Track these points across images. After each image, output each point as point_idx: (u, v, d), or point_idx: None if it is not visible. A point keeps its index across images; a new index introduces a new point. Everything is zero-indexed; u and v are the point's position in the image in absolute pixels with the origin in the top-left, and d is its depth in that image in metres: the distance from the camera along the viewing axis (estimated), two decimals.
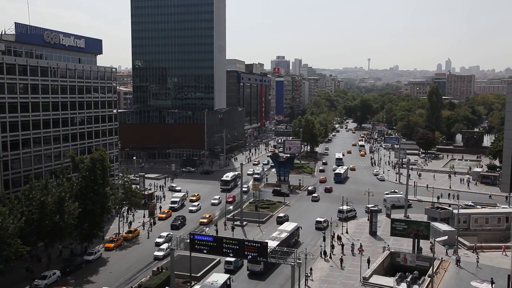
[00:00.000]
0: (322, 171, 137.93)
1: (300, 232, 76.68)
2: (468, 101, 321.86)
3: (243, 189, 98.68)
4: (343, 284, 58.37)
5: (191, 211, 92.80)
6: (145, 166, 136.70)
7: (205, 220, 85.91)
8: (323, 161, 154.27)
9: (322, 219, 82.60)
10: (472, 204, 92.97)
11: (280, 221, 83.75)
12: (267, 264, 60.65)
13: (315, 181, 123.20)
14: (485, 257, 66.46)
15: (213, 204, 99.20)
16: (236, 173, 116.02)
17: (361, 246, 68.94)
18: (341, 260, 65.20)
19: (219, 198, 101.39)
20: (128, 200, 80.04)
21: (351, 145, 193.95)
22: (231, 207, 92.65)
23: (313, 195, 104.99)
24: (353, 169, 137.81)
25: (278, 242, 64.78)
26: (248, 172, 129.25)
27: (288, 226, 74.85)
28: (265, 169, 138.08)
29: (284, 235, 69.73)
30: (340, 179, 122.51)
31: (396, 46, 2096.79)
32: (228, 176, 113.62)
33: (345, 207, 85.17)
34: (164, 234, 75.82)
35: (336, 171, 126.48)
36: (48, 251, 65.73)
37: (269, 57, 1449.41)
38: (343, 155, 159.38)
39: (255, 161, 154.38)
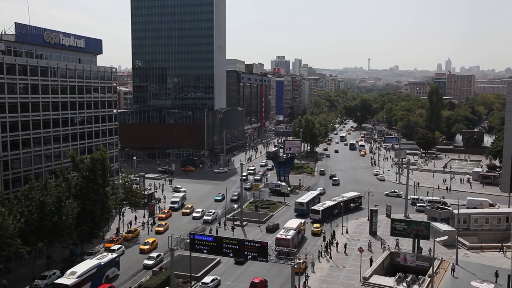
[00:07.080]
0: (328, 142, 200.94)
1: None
2: (468, 101, 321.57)
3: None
4: (343, 284, 58.37)
5: None
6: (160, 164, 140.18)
7: None
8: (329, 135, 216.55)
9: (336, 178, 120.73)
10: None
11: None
12: (324, 215, 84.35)
13: (315, 180, 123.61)
14: (485, 257, 66.46)
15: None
16: (114, 255, 62.14)
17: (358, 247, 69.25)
18: (337, 244, 70.60)
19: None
20: (128, 200, 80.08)
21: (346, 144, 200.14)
22: None
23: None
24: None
25: (335, 203, 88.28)
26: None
27: (349, 194, 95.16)
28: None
29: (344, 198, 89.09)
30: (353, 148, 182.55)
31: (396, 46, 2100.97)
32: (75, 271, 53.85)
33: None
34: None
35: (350, 143, 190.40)
36: (48, 251, 65.70)
37: (269, 57, 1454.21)
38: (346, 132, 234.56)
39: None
